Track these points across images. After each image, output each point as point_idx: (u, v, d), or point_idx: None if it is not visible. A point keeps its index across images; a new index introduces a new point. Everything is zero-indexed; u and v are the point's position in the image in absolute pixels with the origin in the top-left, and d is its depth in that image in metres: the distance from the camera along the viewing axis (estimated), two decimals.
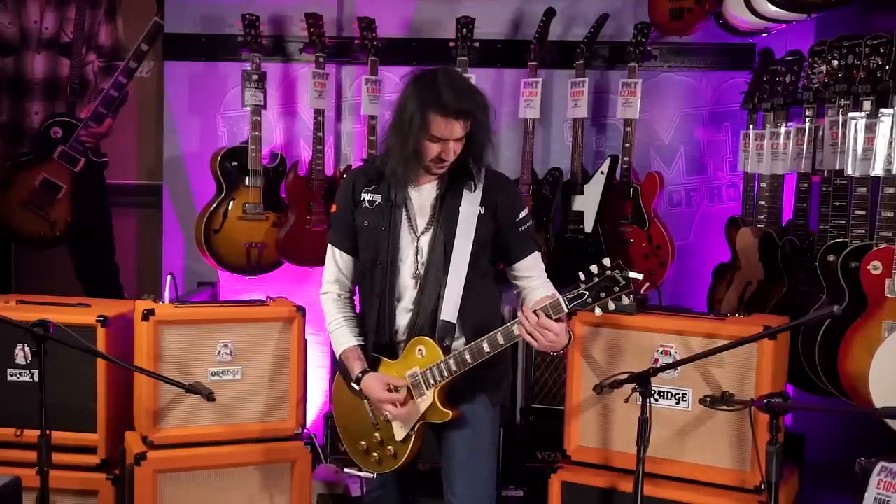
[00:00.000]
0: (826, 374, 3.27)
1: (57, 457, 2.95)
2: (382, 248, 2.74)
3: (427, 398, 2.68)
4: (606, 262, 2.44)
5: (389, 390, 2.69)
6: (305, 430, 3.57)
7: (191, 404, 3.34)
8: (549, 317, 2.48)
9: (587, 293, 2.43)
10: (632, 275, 2.41)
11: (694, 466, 3.14)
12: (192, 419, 3.37)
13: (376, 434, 2.79)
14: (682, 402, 3.16)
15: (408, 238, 2.75)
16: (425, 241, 2.74)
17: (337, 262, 2.86)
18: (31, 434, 2.87)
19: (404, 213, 2.75)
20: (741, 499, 3.05)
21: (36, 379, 2.83)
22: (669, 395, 3.16)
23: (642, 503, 2.76)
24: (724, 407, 2.79)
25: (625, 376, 2.85)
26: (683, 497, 3.10)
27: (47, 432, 2.81)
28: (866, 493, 2.88)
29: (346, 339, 2.82)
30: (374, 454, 2.81)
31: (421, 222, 2.75)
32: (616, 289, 2.41)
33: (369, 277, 2.78)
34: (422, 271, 2.73)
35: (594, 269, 2.44)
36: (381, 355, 2.77)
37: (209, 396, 3.18)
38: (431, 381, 2.67)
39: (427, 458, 2.86)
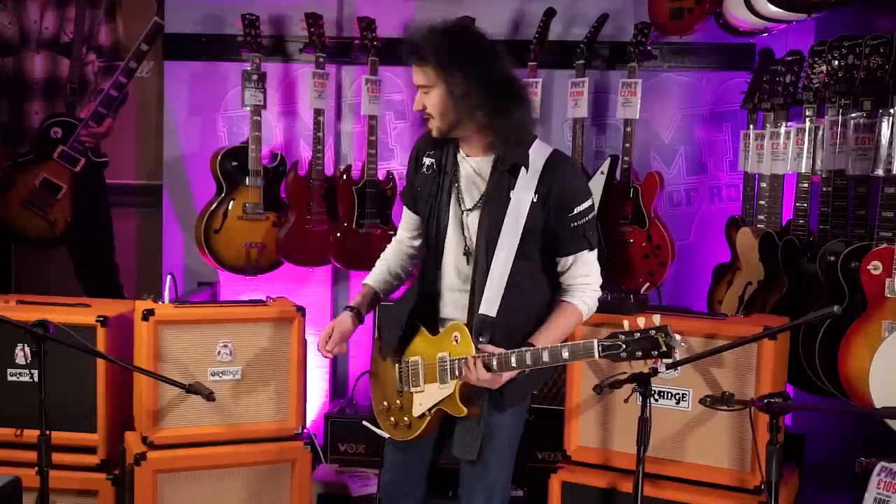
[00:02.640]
0: (826, 374, 3.27)
1: (57, 457, 2.95)
2: (432, 216, 2.69)
3: (449, 387, 2.61)
4: (657, 319, 2.30)
5: (331, 337, 2.77)
6: (305, 430, 3.57)
7: (191, 404, 3.34)
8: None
9: (623, 346, 2.30)
10: (676, 346, 2.25)
11: (694, 467, 3.14)
12: (192, 419, 3.37)
13: (398, 400, 2.77)
14: (682, 402, 3.16)
15: (454, 210, 2.66)
16: (472, 219, 2.63)
17: (405, 217, 2.89)
18: (31, 434, 2.86)
19: (452, 184, 2.66)
20: (741, 499, 3.05)
21: (36, 379, 2.83)
22: (669, 395, 3.16)
23: (642, 503, 2.76)
24: (724, 407, 2.79)
25: (625, 376, 2.85)
26: (683, 497, 3.10)
27: (47, 432, 2.81)
28: (866, 494, 2.88)
29: (370, 274, 2.90)
30: (392, 418, 2.79)
31: (468, 198, 2.64)
32: (654, 352, 2.29)
33: (426, 241, 2.77)
34: (471, 248, 2.63)
35: (641, 321, 2.30)
36: (422, 324, 2.71)
37: (209, 396, 3.18)
38: (457, 374, 2.57)
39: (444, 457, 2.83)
